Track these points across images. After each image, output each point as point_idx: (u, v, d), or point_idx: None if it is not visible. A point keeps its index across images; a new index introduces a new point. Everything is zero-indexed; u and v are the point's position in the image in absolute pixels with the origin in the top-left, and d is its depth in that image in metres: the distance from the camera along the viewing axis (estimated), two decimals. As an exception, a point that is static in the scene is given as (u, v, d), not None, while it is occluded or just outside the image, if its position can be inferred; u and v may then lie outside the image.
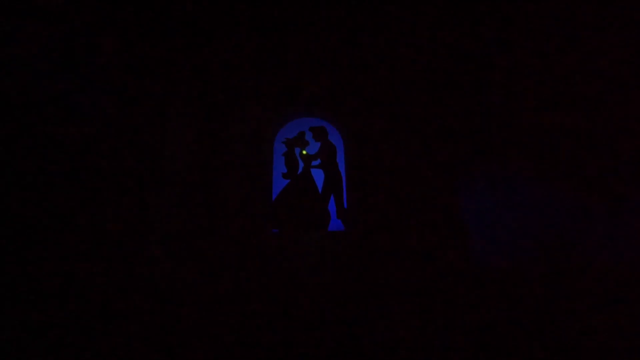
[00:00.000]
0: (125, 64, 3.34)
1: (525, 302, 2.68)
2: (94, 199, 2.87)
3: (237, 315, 2.83)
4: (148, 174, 3.32)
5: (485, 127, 3.42)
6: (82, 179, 2.85)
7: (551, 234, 2.46)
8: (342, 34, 4.29)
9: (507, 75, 3.08)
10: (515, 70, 2.95)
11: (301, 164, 4.62)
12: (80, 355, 2.12)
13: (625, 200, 1.93)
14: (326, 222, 4.35)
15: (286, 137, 5.05)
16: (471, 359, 1.89)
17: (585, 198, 2.20)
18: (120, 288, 2.90)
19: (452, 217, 3.82)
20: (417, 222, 3.81)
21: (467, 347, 2.08)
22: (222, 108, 4.03)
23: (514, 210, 2.91)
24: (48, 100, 2.58)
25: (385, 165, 3.99)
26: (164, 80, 3.58)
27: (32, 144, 2.48)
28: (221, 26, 4.17)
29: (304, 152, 4.86)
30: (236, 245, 3.69)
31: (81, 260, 2.70)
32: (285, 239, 3.80)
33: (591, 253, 2.14)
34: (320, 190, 4.59)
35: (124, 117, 3.25)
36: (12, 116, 2.39)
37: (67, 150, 2.69)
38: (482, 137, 3.46)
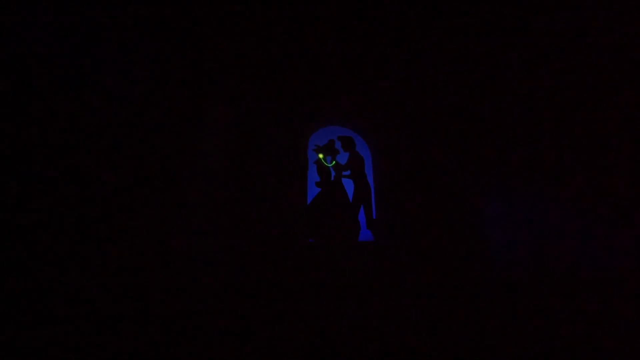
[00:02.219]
0: (162, 67, 3.45)
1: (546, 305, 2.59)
2: (130, 206, 2.97)
3: (274, 319, 2.84)
4: (185, 177, 3.40)
5: (507, 140, 3.40)
6: (120, 183, 2.95)
7: (569, 240, 2.39)
8: (372, 47, 4.32)
9: (528, 92, 3.02)
10: (536, 86, 2.91)
11: (332, 173, 4.63)
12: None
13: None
14: (357, 232, 4.29)
15: (316, 145, 5.05)
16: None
17: (599, 207, 2.14)
18: (158, 289, 2.98)
19: (476, 226, 3.86)
20: (443, 232, 3.85)
21: (496, 350, 2.00)
22: (258, 114, 4.11)
23: (535, 219, 2.87)
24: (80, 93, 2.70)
25: (412, 176, 4.04)
26: (199, 84, 3.68)
27: (65, 144, 2.61)
28: (257, 33, 4.28)
29: (334, 162, 4.86)
30: (272, 253, 3.71)
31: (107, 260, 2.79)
32: (320, 249, 3.79)
33: (605, 259, 2.07)
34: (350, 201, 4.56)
35: (158, 125, 3.36)
36: (53, 114, 2.52)
37: (91, 153, 2.80)
38: (506, 150, 3.45)
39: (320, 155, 4.91)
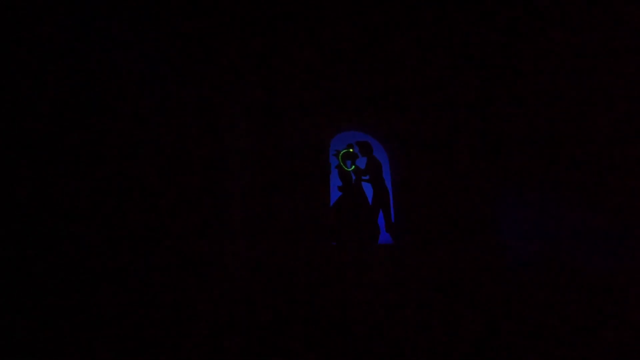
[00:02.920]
0: (184, 73, 3.60)
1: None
2: (154, 209, 3.13)
3: (299, 321, 2.98)
4: (211, 179, 3.56)
5: (525, 143, 3.43)
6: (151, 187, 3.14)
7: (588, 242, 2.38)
8: (390, 54, 4.44)
9: (546, 94, 3.04)
10: (554, 89, 2.92)
11: (353, 177, 4.77)
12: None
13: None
14: (377, 235, 4.41)
15: (336, 150, 5.19)
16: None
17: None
18: (192, 290, 3.14)
19: (493, 228, 3.89)
20: (460, 234, 3.89)
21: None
22: (280, 118, 4.23)
23: (551, 222, 2.86)
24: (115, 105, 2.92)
25: (429, 180, 4.11)
26: (222, 88, 3.84)
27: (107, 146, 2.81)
28: (281, 40, 4.41)
29: (354, 166, 5.00)
30: (296, 256, 3.81)
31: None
32: (343, 252, 3.92)
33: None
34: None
35: (182, 126, 3.47)
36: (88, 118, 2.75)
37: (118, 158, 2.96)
38: (524, 152, 3.48)
39: (340, 160, 5.07)
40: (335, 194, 4.65)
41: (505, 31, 3.90)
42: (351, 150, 5.16)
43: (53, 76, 2.49)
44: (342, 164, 5.02)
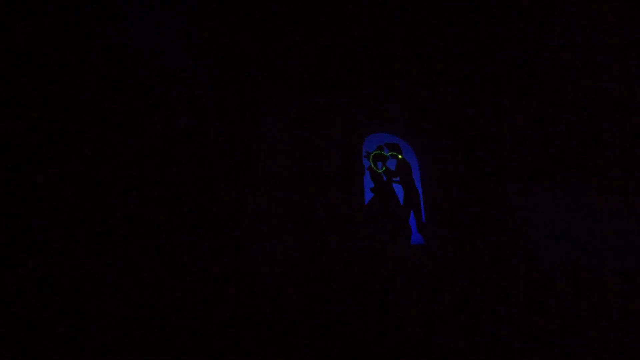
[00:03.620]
0: (220, 72, 3.76)
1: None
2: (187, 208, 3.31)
3: (331, 321, 3.12)
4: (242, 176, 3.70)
5: (558, 141, 3.36)
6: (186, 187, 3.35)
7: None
8: (417, 55, 4.48)
9: (581, 95, 2.97)
10: (593, 89, 2.85)
11: (384, 178, 4.84)
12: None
13: None
14: (409, 236, 4.48)
15: (367, 151, 5.28)
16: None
17: None
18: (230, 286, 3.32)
19: (524, 228, 3.84)
20: (492, 234, 3.89)
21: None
22: (314, 117, 4.27)
23: (583, 222, 2.81)
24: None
25: (459, 181, 4.12)
26: (254, 88, 3.96)
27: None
28: (316, 42, 4.51)
29: (384, 167, 5.08)
30: (331, 256, 3.93)
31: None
32: (376, 253, 4.00)
33: None
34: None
35: (216, 126, 3.64)
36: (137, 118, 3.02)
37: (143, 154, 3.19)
38: (557, 150, 3.42)
39: (371, 161, 5.17)
40: (368, 196, 4.75)
41: (543, 28, 3.83)
42: (381, 151, 5.24)
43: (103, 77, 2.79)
44: (373, 165, 5.12)
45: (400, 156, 4.99)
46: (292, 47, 4.36)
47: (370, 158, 5.17)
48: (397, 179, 4.98)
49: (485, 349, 2.39)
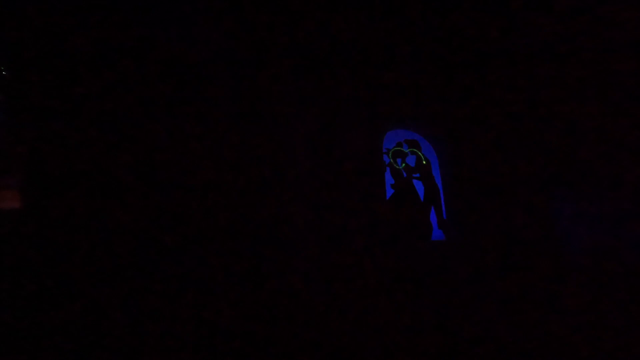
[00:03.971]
0: (243, 73, 3.88)
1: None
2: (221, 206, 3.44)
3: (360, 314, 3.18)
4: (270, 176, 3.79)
5: (578, 138, 3.29)
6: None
7: None
8: (435, 52, 4.47)
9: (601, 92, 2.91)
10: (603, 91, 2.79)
11: (404, 175, 4.86)
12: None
13: None
14: (429, 232, 4.50)
15: (386, 148, 5.30)
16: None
17: None
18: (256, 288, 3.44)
19: (547, 224, 3.81)
20: (513, 230, 3.87)
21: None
22: (335, 114, 4.33)
23: (608, 221, 2.76)
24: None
25: (479, 177, 4.13)
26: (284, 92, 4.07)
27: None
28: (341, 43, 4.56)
29: (404, 164, 5.10)
30: (354, 250, 3.96)
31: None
32: (397, 249, 4.05)
33: None
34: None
35: (241, 126, 3.74)
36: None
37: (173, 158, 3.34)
38: (577, 147, 3.42)
39: (391, 158, 5.19)
40: (389, 192, 4.79)
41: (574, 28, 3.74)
42: (400, 148, 5.26)
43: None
44: (393, 162, 5.14)
45: (419, 153, 5.01)
46: (313, 45, 4.41)
47: (390, 154, 5.19)
48: (417, 175, 4.99)
49: (503, 345, 2.42)
